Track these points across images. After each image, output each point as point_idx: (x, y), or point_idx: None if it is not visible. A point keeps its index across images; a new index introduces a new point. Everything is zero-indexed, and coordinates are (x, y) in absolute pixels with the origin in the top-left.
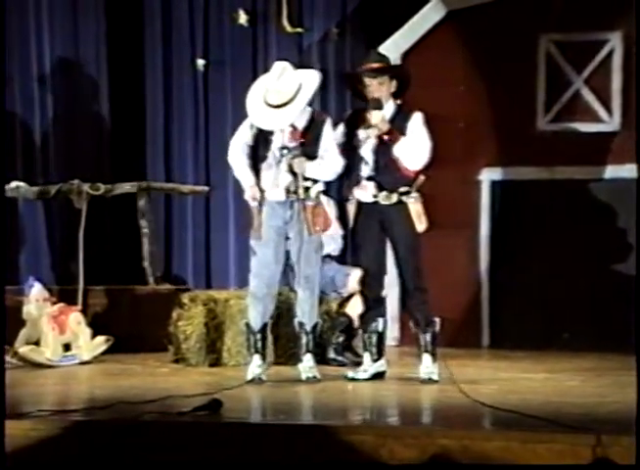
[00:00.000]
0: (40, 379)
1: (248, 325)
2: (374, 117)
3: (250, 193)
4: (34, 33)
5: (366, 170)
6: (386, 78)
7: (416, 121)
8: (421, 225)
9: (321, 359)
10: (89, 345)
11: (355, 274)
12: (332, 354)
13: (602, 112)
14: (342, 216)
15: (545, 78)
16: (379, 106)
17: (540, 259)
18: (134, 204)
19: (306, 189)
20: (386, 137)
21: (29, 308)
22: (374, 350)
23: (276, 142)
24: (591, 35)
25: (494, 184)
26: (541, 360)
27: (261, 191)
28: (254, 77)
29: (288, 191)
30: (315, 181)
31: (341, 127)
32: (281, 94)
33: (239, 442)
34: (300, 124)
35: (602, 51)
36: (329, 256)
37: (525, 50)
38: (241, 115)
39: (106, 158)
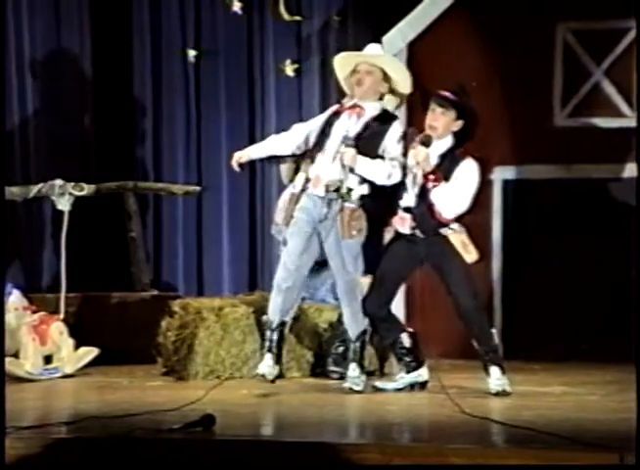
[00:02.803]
0: (19, 394)
1: (265, 319)
2: (419, 153)
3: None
4: (12, 21)
5: (406, 201)
6: (452, 112)
7: (464, 169)
8: (469, 256)
9: (321, 371)
10: (72, 356)
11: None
12: (331, 366)
13: (623, 106)
14: None
15: (562, 70)
16: (427, 142)
17: (557, 265)
18: (121, 205)
19: (349, 190)
20: (429, 178)
21: (7, 318)
22: (404, 362)
23: (338, 127)
24: (612, 23)
25: (507, 184)
26: (558, 373)
27: (306, 180)
28: (249, 69)
29: (328, 188)
30: (362, 182)
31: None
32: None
33: (234, 460)
34: (369, 113)
35: (623, 40)
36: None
37: (540, 39)
38: (235, 108)
39: (90, 155)
